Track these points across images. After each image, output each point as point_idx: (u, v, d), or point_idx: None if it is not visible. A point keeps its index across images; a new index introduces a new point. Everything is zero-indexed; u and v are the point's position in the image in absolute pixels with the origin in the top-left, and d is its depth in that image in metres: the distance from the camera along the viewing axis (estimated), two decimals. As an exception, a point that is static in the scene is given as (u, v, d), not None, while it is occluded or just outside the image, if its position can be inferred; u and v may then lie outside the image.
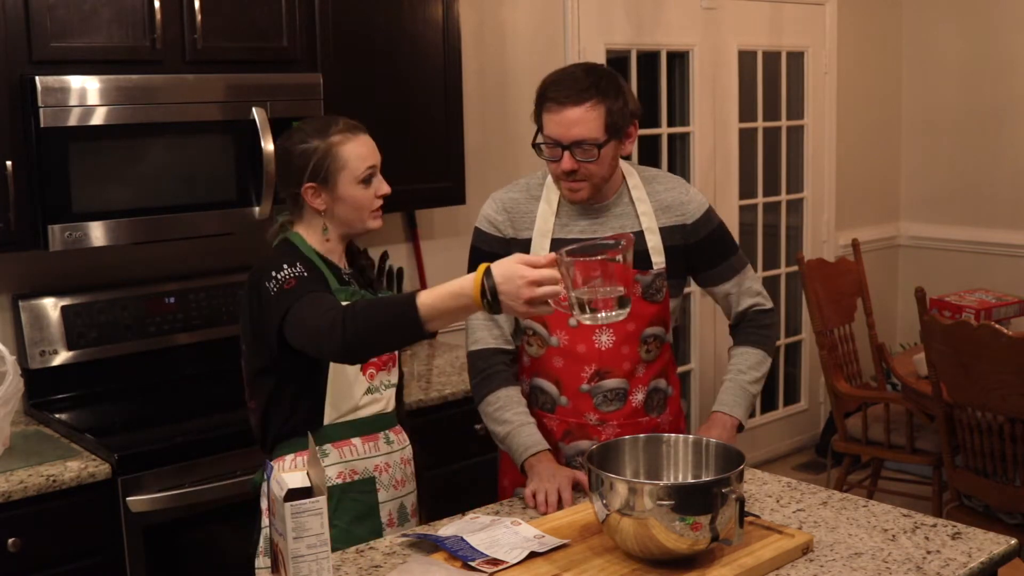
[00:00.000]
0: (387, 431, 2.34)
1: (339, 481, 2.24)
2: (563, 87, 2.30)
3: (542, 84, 2.35)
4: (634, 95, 2.40)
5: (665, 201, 2.46)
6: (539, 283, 1.84)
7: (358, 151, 2.24)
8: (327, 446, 2.23)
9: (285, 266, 2.16)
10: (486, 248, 2.46)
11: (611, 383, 2.44)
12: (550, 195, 2.44)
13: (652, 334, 2.46)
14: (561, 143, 2.30)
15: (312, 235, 2.28)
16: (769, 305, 2.57)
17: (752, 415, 5.29)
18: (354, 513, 2.25)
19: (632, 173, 2.49)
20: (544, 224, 2.42)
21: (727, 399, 2.49)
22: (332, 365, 2.21)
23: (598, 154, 2.31)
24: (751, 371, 2.51)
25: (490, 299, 1.85)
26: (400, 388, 2.43)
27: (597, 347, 2.42)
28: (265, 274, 2.17)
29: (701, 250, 2.49)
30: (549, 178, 2.45)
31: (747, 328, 2.56)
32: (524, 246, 2.43)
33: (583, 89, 2.28)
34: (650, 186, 2.47)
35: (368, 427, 2.29)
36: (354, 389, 2.26)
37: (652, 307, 2.44)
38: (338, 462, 2.25)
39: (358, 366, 2.24)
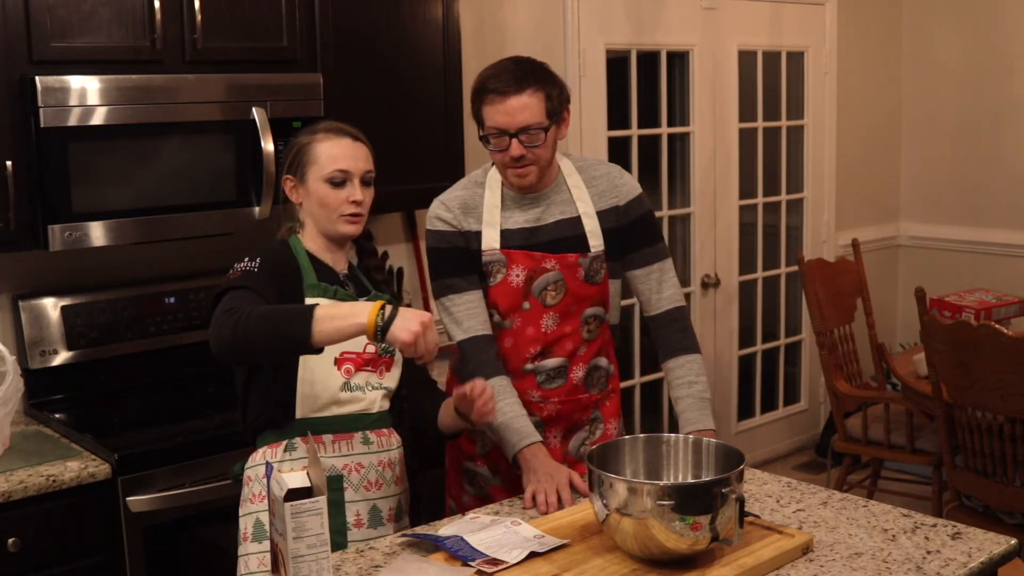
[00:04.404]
0: (366, 431, 2.29)
1: None
2: (502, 79, 2.38)
3: (478, 80, 2.43)
4: (564, 82, 2.48)
5: (601, 186, 2.55)
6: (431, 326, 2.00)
7: (331, 151, 2.27)
8: (296, 440, 2.23)
9: (247, 259, 2.22)
10: (445, 245, 2.50)
11: (552, 362, 2.52)
12: (493, 189, 2.51)
13: (592, 314, 2.55)
14: (508, 131, 2.38)
15: (307, 235, 2.32)
16: (684, 303, 2.60)
17: (752, 415, 5.30)
18: None
19: (565, 161, 2.57)
20: (491, 216, 2.49)
21: (695, 416, 2.48)
22: (302, 358, 2.20)
23: (545, 138, 2.39)
24: (700, 379, 2.53)
25: (382, 324, 1.97)
26: (400, 394, 2.38)
27: (543, 330, 2.50)
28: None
29: (631, 231, 2.55)
30: (490, 173, 2.52)
31: (675, 332, 2.56)
32: (476, 238, 2.49)
33: (521, 77, 2.38)
34: (585, 173, 2.56)
35: (343, 426, 2.26)
36: (328, 383, 2.23)
37: (592, 288, 2.52)
38: (304, 457, 2.21)
39: (330, 360, 2.22)
